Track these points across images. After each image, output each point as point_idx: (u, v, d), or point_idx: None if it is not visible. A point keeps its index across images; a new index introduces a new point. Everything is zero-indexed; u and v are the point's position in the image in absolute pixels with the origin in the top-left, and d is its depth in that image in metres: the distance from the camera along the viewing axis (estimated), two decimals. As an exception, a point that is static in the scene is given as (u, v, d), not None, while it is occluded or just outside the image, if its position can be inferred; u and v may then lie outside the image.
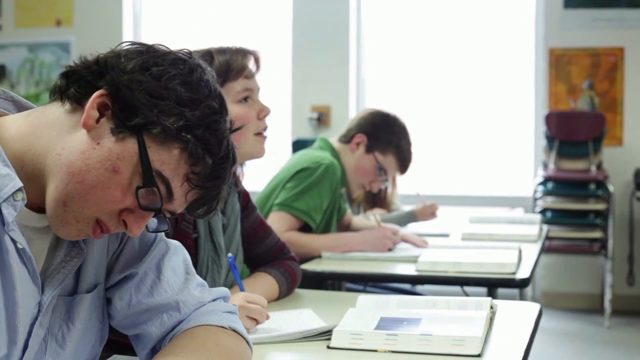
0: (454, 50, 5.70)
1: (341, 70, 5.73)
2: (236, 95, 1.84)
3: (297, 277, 2.03)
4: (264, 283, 1.91)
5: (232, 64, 1.83)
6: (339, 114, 5.70)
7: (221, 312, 1.26)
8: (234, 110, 1.80)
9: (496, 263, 2.32)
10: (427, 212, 3.37)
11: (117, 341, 1.49)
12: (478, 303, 1.71)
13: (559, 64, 5.41)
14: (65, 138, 1.07)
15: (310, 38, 5.75)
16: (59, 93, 1.10)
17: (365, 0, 5.82)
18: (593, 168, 5.13)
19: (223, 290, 1.32)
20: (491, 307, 1.70)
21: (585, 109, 5.38)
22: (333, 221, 2.81)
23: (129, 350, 1.62)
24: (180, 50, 1.13)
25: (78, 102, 1.08)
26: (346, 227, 3.04)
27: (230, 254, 1.72)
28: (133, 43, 1.12)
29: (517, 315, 1.83)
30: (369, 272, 2.45)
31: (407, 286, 3.42)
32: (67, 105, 1.09)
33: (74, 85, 1.09)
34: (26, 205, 1.07)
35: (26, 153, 1.08)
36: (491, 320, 1.67)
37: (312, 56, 5.72)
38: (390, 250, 2.67)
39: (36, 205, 1.10)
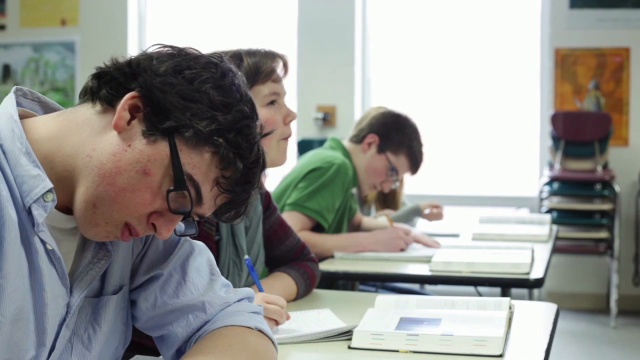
0: (460, 50, 5.70)
1: (347, 70, 5.73)
2: (263, 98, 1.83)
3: (315, 279, 2.03)
4: (282, 283, 1.91)
5: (262, 67, 1.83)
6: (345, 114, 5.70)
7: (247, 312, 1.26)
8: (261, 113, 1.79)
9: (510, 263, 2.32)
10: (434, 213, 3.35)
11: (137, 342, 1.50)
12: (497, 303, 1.71)
13: (565, 64, 5.41)
14: (96, 139, 1.07)
15: (315, 38, 5.75)
16: (90, 94, 1.10)
17: (370, 0, 5.82)
18: (599, 168, 5.13)
19: (247, 290, 1.32)
20: (509, 307, 1.70)
21: (591, 109, 5.38)
22: (344, 221, 2.82)
23: (148, 351, 1.63)
24: (212, 54, 1.12)
25: (109, 104, 1.08)
26: (356, 227, 3.04)
27: (247, 256, 1.72)
28: (164, 46, 1.12)
29: (534, 315, 1.83)
30: (383, 272, 2.45)
31: (415, 286, 3.43)
32: (98, 107, 1.09)
33: (106, 86, 1.08)
34: (55, 207, 1.07)
35: (56, 154, 1.08)
36: (510, 320, 1.67)
37: (317, 56, 5.72)
38: (402, 250, 2.67)
39: (64, 207, 1.10)
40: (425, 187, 5.27)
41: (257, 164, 1.10)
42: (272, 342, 1.26)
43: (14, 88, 1.14)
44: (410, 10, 5.79)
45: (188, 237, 1.29)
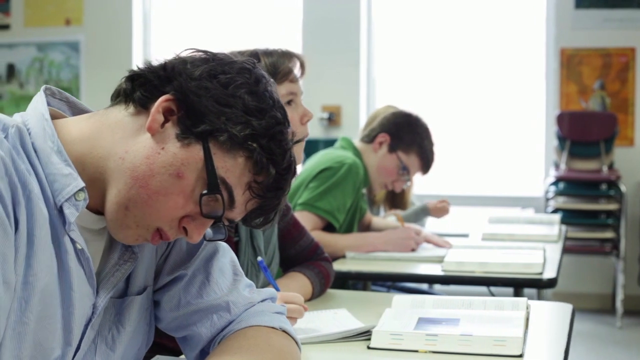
0: (465, 50, 5.70)
1: (352, 70, 5.73)
2: (281, 98, 1.83)
3: (330, 278, 2.03)
4: (298, 283, 1.91)
5: (279, 66, 1.83)
6: (350, 114, 5.71)
7: (271, 312, 1.26)
8: None
9: (522, 263, 2.32)
10: (441, 208, 3.35)
11: (157, 342, 1.50)
12: (514, 303, 1.71)
13: (570, 64, 5.41)
14: (129, 141, 1.07)
15: (320, 38, 5.75)
16: (124, 96, 1.10)
17: (375, 0, 5.82)
18: (604, 168, 5.13)
19: (271, 290, 1.32)
20: (526, 307, 1.70)
21: (596, 109, 5.38)
22: (355, 221, 2.82)
23: (169, 351, 1.63)
24: (245, 59, 1.12)
25: (143, 106, 1.08)
26: (366, 227, 3.04)
27: (259, 257, 1.72)
28: (197, 50, 1.12)
29: (549, 315, 1.84)
30: (395, 272, 2.46)
31: (424, 286, 3.43)
32: (131, 109, 1.09)
33: (140, 88, 1.08)
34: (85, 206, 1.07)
35: (87, 156, 1.07)
36: (527, 320, 1.67)
37: (322, 56, 5.71)
38: (413, 250, 2.67)
39: (93, 208, 1.10)
40: (431, 187, 5.27)
41: (289, 170, 1.10)
42: (296, 343, 1.26)
43: (43, 87, 1.13)
44: (415, 10, 5.79)
45: None
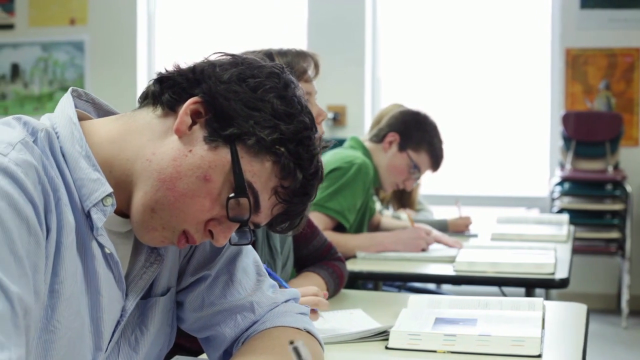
0: (470, 50, 5.70)
1: (357, 69, 5.73)
2: None
3: (344, 278, 2.03)
4: (312, 283, 1.90)
5: (294, 66, 1.83)
6: (355, 114, 5.71)
7: (295, 313, 1.26)
8: None
9: (534, 263, 2.33)
10: (460, 224, 3.33)
11: (176, 343, 1.50)
12: (530, 303, 1.72)
13: (576, 64, 5.41)
14: (156, 144, 1.06)
15: (325, 37, 5.75)
16: (152, 98, 1.10)
17: (380, 2, 5.82)
18: (610, 168, 5.13)
19: (294, 291, 1.32)
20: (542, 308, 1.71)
21: (601, 109, 5.38)
22: (365, 221, 2.82)
23: (187, 352, 1.63)
24: (274, 64, 1.12)
25: (171, 108, 1.08)
26: (375, 227, 3.05)
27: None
28: (225, 54, 1.12)
29: (564, 315, 1.84)
30: (407, 272, 2.46)
31: (432, 286, 3.44)
32: (159, 111, 1.09)
33: (169, 90, 1.08)
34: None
35: (115, 158, 1.07)
36: (543, 320, 1.68)
37: (327, 56, 5.64)
38: (423, 250, 2.67)
39: (120, 210, 1.10)
40: (436, 188, 5.27)
41: (316, 176, 1.10)
42: (320, 343, 1.26)
43: (70, 89, 1.13)
44: (421, 10, 5.79)
45: None
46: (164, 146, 1.06)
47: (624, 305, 4.97)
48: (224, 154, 1.04)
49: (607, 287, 5.41)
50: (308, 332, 1.24)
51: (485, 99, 5.68)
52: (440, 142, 2.96)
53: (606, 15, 5.33)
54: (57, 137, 1.05)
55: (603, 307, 5.37)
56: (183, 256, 1.24)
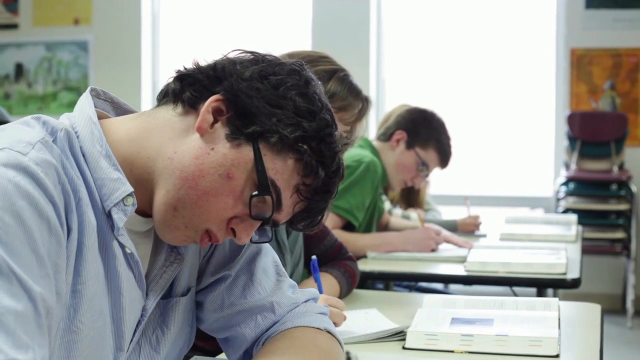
0: (475, 50, 5.70)
1: (361, 70, 5.71)
2: None
3: (356, 277, 2.03)
4: (326, 283, 1.90)
5: (342, 97, 1.82)
6: (359, 114, 5.69)
7: (315, 313, 1.26)
8: None
9: (546, 264, 2.33)
10: (469, 224, 3.32)
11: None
12: (546, 303, 1.72)
13: (581, 64, 5.41)
14: (177, 142, 1.06)
15: (329, 38, 5.75)
16: (172, 96, 1.09)
17: (385, 0, 5.82)
18: (615, 168, 5.13)
19: (313, 291, 1.31)
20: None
21: (606, 109, 5.38)
22: (374, 220, 2.82)
23: (200, 351, 1.63)
24: (294, 61, 1.12)
25: (192, 106, 1.07)
26: (384, 227, 3.04)
27: (314, 256, 1.72)
28: (244, 51, 1.11)
29: (579, 315, 1.84)
30: (419, 272, 2.46)
31: (439, 286, 3.44)
32: (180, 109, 1.08)
33: (190, 88, 1.07)
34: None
35: (135, 156, 1.07)
36: (558, 320, 1.68)
37: (331, 56, 5.70)
38: (433, 251, 2.67)
39: (140, 209, 1.09)
40: (440, 187, 5.27)
41: (338, 174, 1.09)
42: (340, 343, 1.26)
43: (89, 88, 1.12)
44: (425, 10, 5.79)
45: None
46: (185, 144, 1.05)
47: (629, 305, 4.97)
48: (247, 152, 1.04)
49: (612, 287, 5.41)
50: (328, 332, 1.24)
51: (490, 99, 5.68)
52: (448, 139, 2.96)
53: (611, 16, 5.33)
54: (77, 137, 1.05)
55: (608, 307, 5.36)
56: (203, 256, 1.23)
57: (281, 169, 1.05)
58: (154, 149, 1.06)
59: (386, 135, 2.97)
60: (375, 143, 2.97)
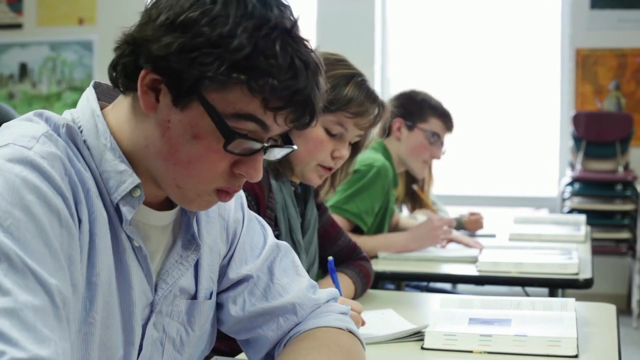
0: (480, 50, 5.70)
1: (366, 70, 5.61)
2: (332, 124, 1.81)
3: (370, 277, 2.03)
4: (341, 283, 1.90)
5: (359, 103, 1.82)
6: (364, 114, 5.69)
7: (337, 313, 1.26)
8: (318, 132, 1.79)
9: (558, 264, 2.33)
10: (473, 221, 3.29)
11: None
12: (563, 303, 1.72)
13: (586, 64, 5.41)
14: (142, 128, 1.03)
15: (334, 38, 5.74)
16: (116, 86, 1.06)
17: (390, 0, 5.81)
18: (620, 169, 5.13)
19: (333, 291, 1.31)
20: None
21: (611, 109, 5.38)
22: (385, 223, 2.80)
23: (216, 352, 1.63)
24: None
25: (132, 90, 1.03)
26: (394, 228, 3.04)
27: (330, 257, 1.72)
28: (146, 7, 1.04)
29: (594, 315, 1.84)
30: (431, 272, 2.46)
31: (447, 286, 3.43)
32: (129, 97, 1.05)
33: (121, 76, 1.03)
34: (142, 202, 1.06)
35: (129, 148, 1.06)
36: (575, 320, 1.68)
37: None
38: (443, 244, 2.65)
39: (155, 202, 1.09)
40: (445, 188, 5.27)
41: (296, 70, 0.99)
42: (361, 343, 1.26)
43: (92, 83, 1.11)
44: (430, 10, 5.79)
45: (274, 238, 1.29)
46: (148, 128, 1.03)
47: (635, 305, 4.97)
48: (197, 108, 0.99)
49: (618, 287, 5.40)
50: (350, 332, 1.24)
51: (495, 99, 5.68)
52: (439, 102, 3.01)
53: (616, 16, 5.33)
54: (81, 131, 1.04)
55: (613, 307, 5.36)
56: (222, 257, 1.23)
57: (235, 100, 0.99)
58: (130, 141, 1.05)
59: (386, 131, 2.98)
60: (384, 143, 2.98)
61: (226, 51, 0.96)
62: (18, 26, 6.37)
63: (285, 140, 1.08)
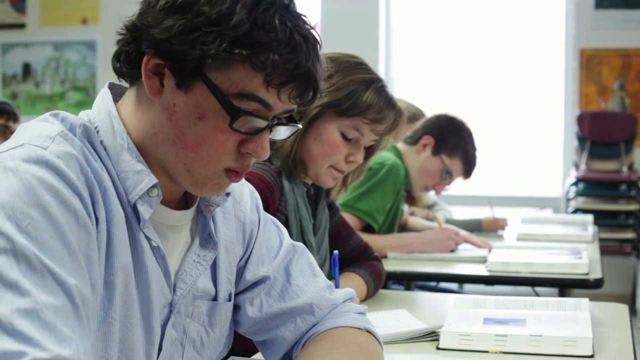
0: (484, 50, 5.70)
1: (370, 70, 5.71)
2: (349, 129, 1.80)
3: (382, 277, 2.03)
4: (353, 283, 1.90)
5: (378, 109, 1.81)
6: (368, 114, 5.69)
7: (354, 313, 1.26)
8: (334, 135, 1.78)
9: (568, 264, 2.33)
10: (495, 225, 3.25)
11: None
12: (576, 303, 1.72)
13: (590, 64, 5.41)
14: (149, 115, 1.04)
15: (338, 38, 5.73)
16: (119, 76, 1.08)
17: (394, 0, 5.81)
18: (624, 169, 5.13)
19: (350, 291, 1.31)
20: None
21: (615, 109, 5.38)
22: (396, 222, 2.81)
23: (231, 352, 1.63)
24: None
25: (137, 78, 1.04)
26: (402, 228, 3.04)
27: (335, 251, 1.72)
28: None
29: (607, 315, 1.83)
30: (441, 272, 2.46)
31: (454, 286, 3.43)
32: (134, 86, 1.06)
33: (125, 64, 1.05)
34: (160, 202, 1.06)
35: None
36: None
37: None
38: (452, 251, 2.66)
39: (171, 200, 1.09)
40: (491, 200, 5.25)
41: (296, 44, 1.00)
42: (379, 343, 1.26)
43: (107, 83, 1.12)
44: (434, 10, 5.79)
45: (289, 239, 1.29)
46: (155, 114, 1.04)
47: (639, 305, 4.96)
48: (200, 88, 1.00)
49: (622, 287, 5.40)
50: (368, 331, 1.24)
51: (500, 99, 5.68)
52: (474, 149, 2.96)
53: (620, 16, 5.33)
54: (97, 131, 1.05)
55: (618, 307, 5.36)
56: (239, 259, 1.23)
57: (238, 79, 1.00)
58: (140, 131, 1.05)
59: (413, 139, 2.96)
60: (400, 146, 2.97)
61: (226, 28, 0.97)
62: (21, 26, 6.38)
63: (290, 120, 1.09)
